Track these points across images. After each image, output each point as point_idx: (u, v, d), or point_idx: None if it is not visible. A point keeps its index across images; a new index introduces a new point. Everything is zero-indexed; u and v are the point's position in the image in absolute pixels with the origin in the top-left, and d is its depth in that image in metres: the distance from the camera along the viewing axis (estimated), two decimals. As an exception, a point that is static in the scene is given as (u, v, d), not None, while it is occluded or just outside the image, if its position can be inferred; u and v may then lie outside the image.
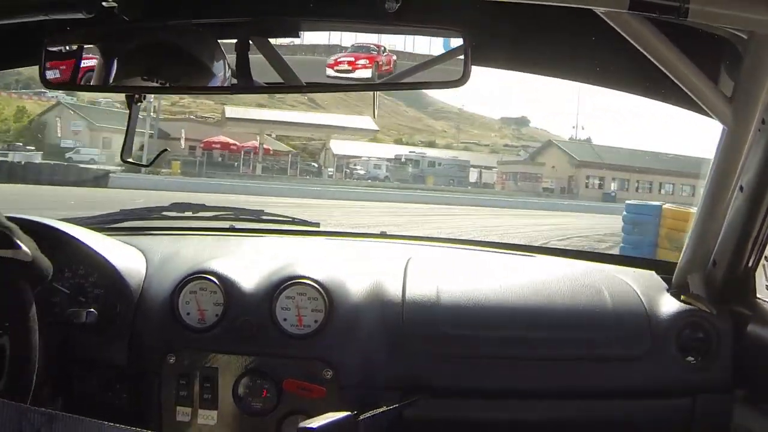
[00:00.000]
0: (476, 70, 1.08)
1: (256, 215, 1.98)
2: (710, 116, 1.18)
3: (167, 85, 1.11)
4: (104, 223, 1.77)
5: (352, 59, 1.11)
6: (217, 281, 1.33)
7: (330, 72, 1.10)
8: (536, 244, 1.89)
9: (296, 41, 1.12)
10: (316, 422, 1.05)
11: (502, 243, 1.88)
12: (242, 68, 1.09)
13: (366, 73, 1.09)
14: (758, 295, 1.38)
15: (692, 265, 1.41)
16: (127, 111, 1.19)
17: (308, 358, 1.29)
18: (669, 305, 1.39)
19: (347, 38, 1.13)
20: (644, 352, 1.34)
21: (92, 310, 1.32)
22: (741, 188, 1.27)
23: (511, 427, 1.36)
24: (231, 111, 30.45)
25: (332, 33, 1.14)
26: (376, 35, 1.14)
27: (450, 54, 1.09)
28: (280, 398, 1.27)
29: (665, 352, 1.34)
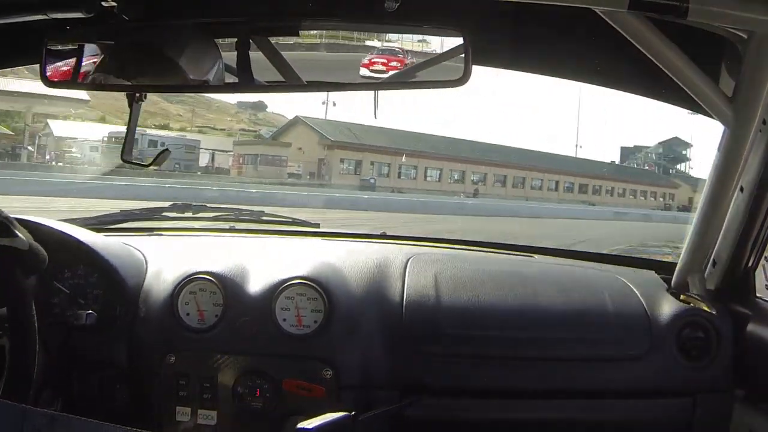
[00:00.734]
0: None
1: (257, 216, 1.98)
2: (711, 116, 1.18)
3: (167, 84, 1.11)
4: (104, 224, 1.77)
5: (385, 60, 1.11)
6: (216, 282, 1.33)
7: (364, 72, 1.11)
8: (536, 245, 1.88)
9: (326, 40, 1.13)
10: (313, 422, 1.05)
11: (502, 243, 1.87)
12: (243, 67, 1.09)
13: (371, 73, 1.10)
14: (758, 295, 1.38)
15: (692, 265, 1.41)
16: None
17: (308, 358, 1.29)
18: (669, 305, 1.39)
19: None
20: (644, 351, 1.34)
21: (92, 311, 1.32)
22: (741, 188, 1.27)
23: (511, 427, 1.36)
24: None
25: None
26: (376, 35, 1.14)
27: (450, 53, 1.09)
28: (280, 398, 1.27)
29: (665, 352, 1.34)
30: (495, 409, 1.35)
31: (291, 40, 1.14)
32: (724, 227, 1.33)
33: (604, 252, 1.82)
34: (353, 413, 1.12)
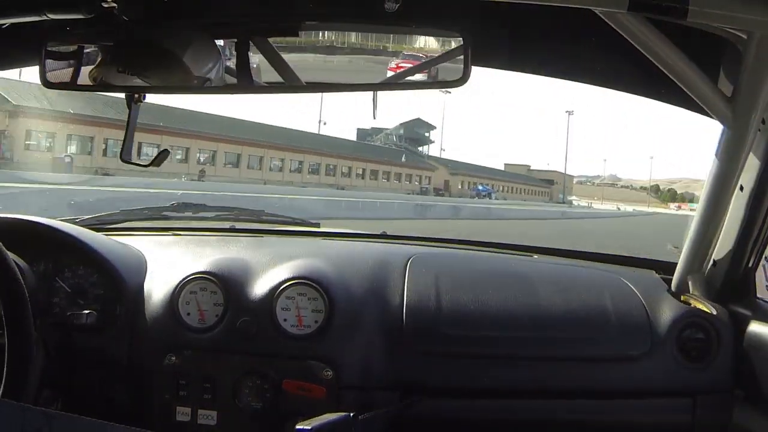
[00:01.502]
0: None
1: (257, 215, 1.98)
2: (710, 116, 1.18)
3: (167, 85, 1.11)
4: (104, 223, 1.77)
5: (411, 65, 1.12)
6: (217, 281, 1.33)
7: (390, 74, 1.12)
8: (536, 245, 1.88)
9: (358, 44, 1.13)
10: (313, 423, 1.05)
11: (502, 243, 1.88)
12: (243, 68, 1.09)
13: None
14: (758, 295, 1.38)
15: (692, 265, 1.41)
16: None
17: (308, 358, 1.29)
18: (669, 305, 1.39)
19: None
20: (644, 352, 1.34)
21: (92, 311, 1.33)
22: (741, 188, 1.27)
23: (511, 427, 1.36)
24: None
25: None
26: (375, 35, 1.14)
27: (450, 54, 1.09)
28: (280, 398, 1.28)
29: (665, 353, 1.34)
30: (495, 410, 1.36)
31: (291, 40, 1.14)
32: (723, 227, 1.33)
33: (604, 252, 1.82)
34: (353, 414, 1.12)
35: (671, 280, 1.47)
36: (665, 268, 1.58)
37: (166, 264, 1.44)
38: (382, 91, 1.20)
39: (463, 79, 1.05)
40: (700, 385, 1.34)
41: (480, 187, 55.95)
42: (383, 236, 1.93)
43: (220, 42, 1.13)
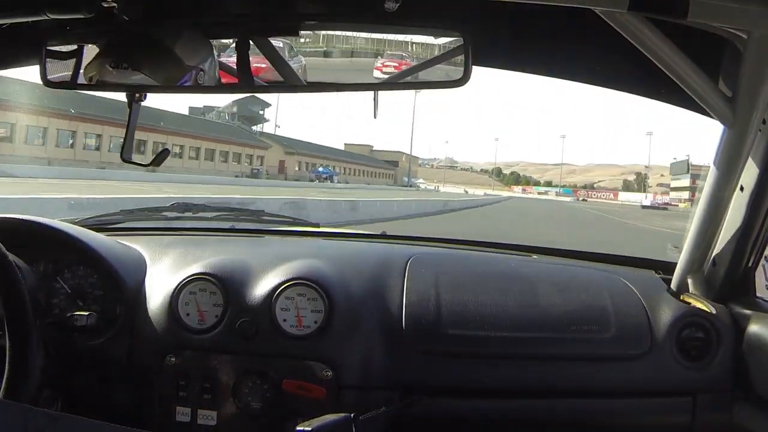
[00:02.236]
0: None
1: (257, 215, 1.98)
2: (710, 116, 1.18)
3: (167, 84, 1.11)
4: (104, 224, 1.78)
5: (396, 64, 1.13)
6: (216, 282, 1.33)
7: (378, 74, 1.12)
8: (537, 245, 1.89)
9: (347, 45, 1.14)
10: (313, 424, 1.05)
11: (502, 243, 1.88)
12: (243, 68, 1.09)
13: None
14: (758, 295, 1.38)
15: (692, 264, 1.41)
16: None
17: (308, 358, 1.29)
18: (669, 305, 1.39)
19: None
20: (644, 351, 1.34)
21: (92, 312, 1.32)
22: (741, 188, 1.27)
23: (511, 426, 1.36)
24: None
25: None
26: (376, 35, 1.14)
27: (450, 54, 1.09)
28: (280, 398, 1.27)
29: (665, 352, 1.34)
30: (495, 409, 1.36)
31: (290, 40, 1.14)
32: (723, 227, 1.33)
33: (604, 252, 1.82)
34: (353, 414, 1.12)
35: (671, 279, 1.47)
36: (665, 268, 1.58)
37: (166, 264, 1.44)
38: (382, 91, 1.19)
39: (463, 79, 1.05)
40: (699, 384, 1.34)
41: (321, 169, 50.76)
42: (383, 236, 1.93)
43: (220, 41, 1.13)
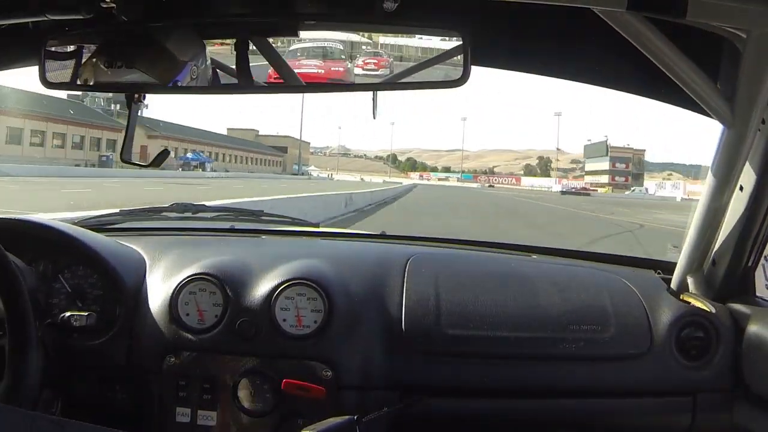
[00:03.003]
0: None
1: (256, 215, 1.98)
2: (710, 116, 1.18)
3: (167, 85, 1.11)
4: (104, 224, 1.78)
5: (376, 61, 1.14)
6: (216, 282, 1.33)
7: (359, 71, 1.13)
8: (536, 245, 1.89)
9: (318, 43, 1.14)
10: (318, 427, 1.05)
11: (502, 243, 1.88)
12: (242, 68, 1.09)
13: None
14: (758, 294, 1.38)
15: (692, 264, 1.41)
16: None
17: (308, 358, 1.29)
18: (668, 305, 1.40)
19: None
20: (644, 351, 1.34)
21: (92, 312, 1.32)
22: (741, 188, 1.27)
23: (510, 426, 1.36)
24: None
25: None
26: (374, 35, 1.14)
27: (449, 54, 1.09)
28: (280, 398, 1.27)
29: (665, 352, 1.34)
30: (495, 409, 1.36)
31: (290, 40, 1.14)
32: (723, 227, 1.34)
33: (604, 252, 1.82)
34: (356, 416, 1.12)
35: (671, 279, 1.47)
36: (665, 268, 1.58)
37: (166, 264, 1.44)
38: (382, 90, 1.20)
39: (463, 79, 1.05)
40: (700, 383, 1.34)
41: (190, 155, 44.69)
42: (383, 236, 1.93)
43: (219, 42, 1.13)
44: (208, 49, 1.12)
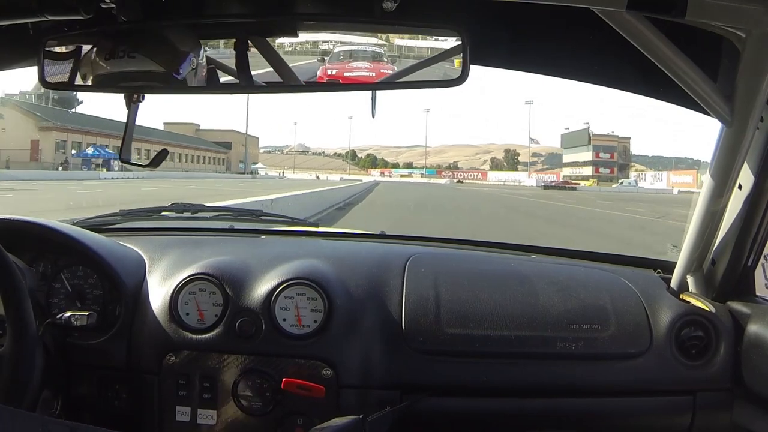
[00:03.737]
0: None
1: (256, 215, 1.98)
2: (709, 114, 1.18)
3: (166, 85, 1.11)
4: (103, 224, 1.78)
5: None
6: (216, 281, 1.34)
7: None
8: (535, 245, 1.89)
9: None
10: (324, 429, 1.05)
11: (501, 243, 1.88)
12: (242, 68, 1.09)
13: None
14: (758, 294, 1.38)
15: (691, 263, 1.41)
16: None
17: (307, 357, 1.29)
18: (668, 304, 1.40)
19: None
20: (643, 350, 1.34)
21: (91, 312, 1.33)
22: (740, 186, 1.27)
23: (510, 425, 1.36)
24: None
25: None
26: (374, 35, 1.14)
27: (448, 53, 1.09)
28: (280, 398, 1.28)
29: (665, 351, 1.34)
30: (495, 408, 1.36)
31: (289, 40, 1.14)
32: (722, 226, 1.34)
33: (603, 251, 1.82)
34: (362, 416, 1.12)
35: (670, 278, 1.47)
36: (664, 267, 1.58)
37: (165, 264, 1.44)
38: (381, 90, 1.19)
39: (462, 78, 1.05)
40: (699, 382, 1.34)
41: (89, 152, 35.88)
42: (382, 236, 1.93)
43: (218, 42, 1.13)
44: (207, 48, 1.12)
